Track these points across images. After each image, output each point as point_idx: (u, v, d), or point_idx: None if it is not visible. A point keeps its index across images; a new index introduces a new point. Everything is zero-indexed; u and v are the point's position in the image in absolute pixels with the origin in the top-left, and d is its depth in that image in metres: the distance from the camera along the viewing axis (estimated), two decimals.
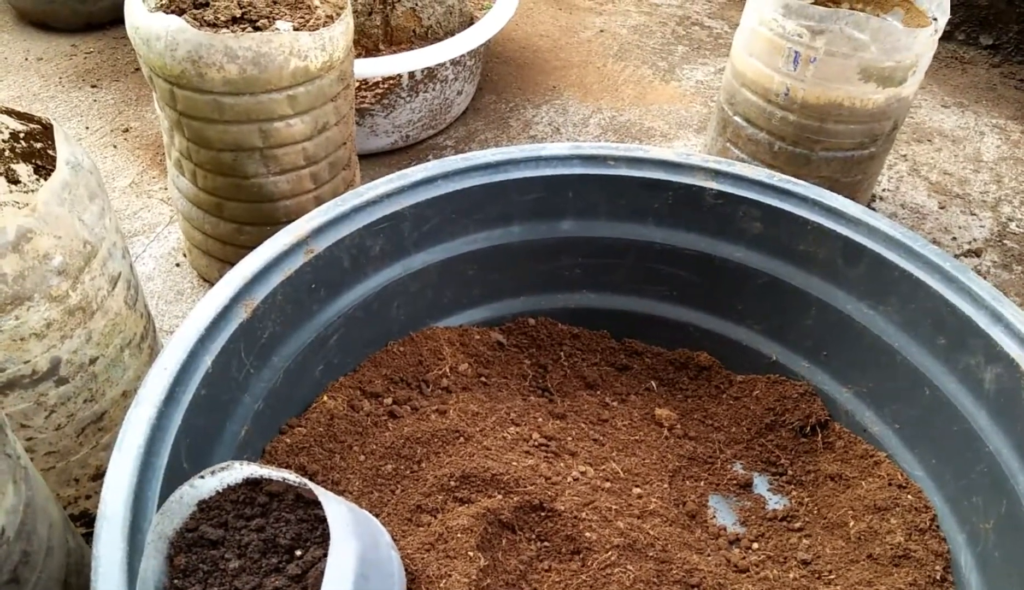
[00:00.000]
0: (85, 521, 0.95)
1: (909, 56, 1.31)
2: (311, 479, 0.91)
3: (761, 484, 1.08)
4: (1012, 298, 1.24)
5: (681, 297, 1.19)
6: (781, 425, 1.11)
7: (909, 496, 1.00)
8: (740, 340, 1.17)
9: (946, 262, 0.99)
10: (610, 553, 0.88)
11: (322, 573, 0.58)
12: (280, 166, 1.18)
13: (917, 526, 0.97)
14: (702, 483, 1.06)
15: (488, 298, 1.17)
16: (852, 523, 0.99)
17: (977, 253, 1.58)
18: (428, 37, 1.70)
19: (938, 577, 0.93)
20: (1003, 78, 2.15)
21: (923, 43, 1.31)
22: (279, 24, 1.13)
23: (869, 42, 1.28)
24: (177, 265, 1.44)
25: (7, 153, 0.90)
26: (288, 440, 0.93)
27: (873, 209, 1.31)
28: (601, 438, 1.07)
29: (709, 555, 0.95)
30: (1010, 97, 2.07)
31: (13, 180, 0.92)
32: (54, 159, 0.80)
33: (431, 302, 1.11)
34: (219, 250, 1.30)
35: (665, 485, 1.02)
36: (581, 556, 0.89)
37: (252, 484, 0.68)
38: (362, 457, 0.96)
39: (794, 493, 1.06)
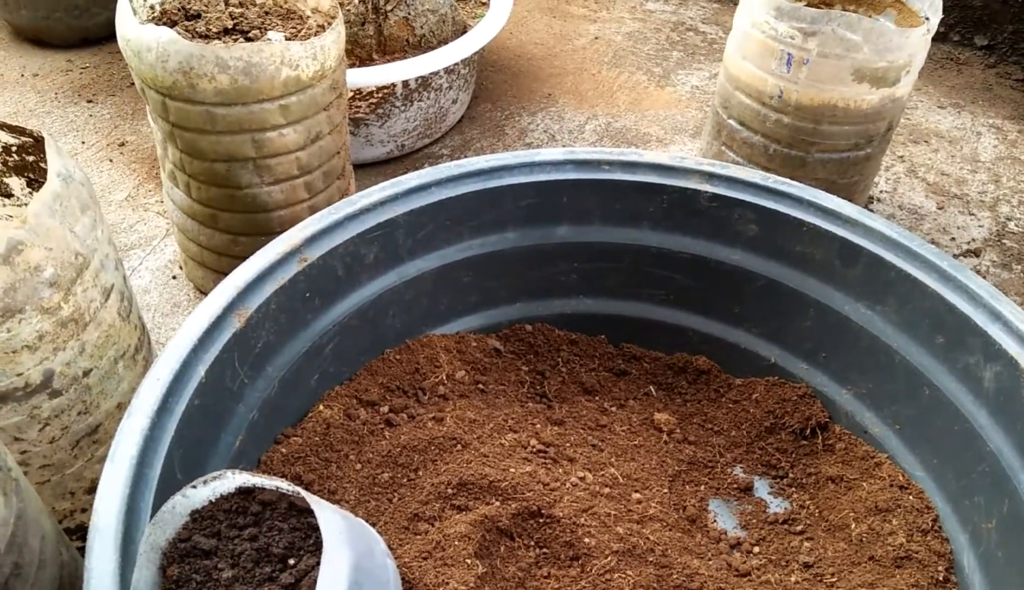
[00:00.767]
0: (81, 535, 0.94)
1: (902, 56, 1.31)
2: (307, 489, 0.90)
3: (762, 487, 1.07)
4: (1012, 297, 1.24)
5: (678, 301, 1.18)
6: (781, 428, 1.10)
7: (910, 497, 0.99)
8: (738, 343, 1.17)
9: (943, 261, 0.99)
10: (609, 559, 0.87)
11: (315, 582, 0.57)
12: (274, 176, 1.18)
13: (919, 527, 0.96)
14: (702, 487, 1.06)
15: (484, 305, 1.16)
16: (854, 525, 0.98)
17: (976, 253, 1.57)
18: (421, 46, 1.70)
19: (940, 578, 0.92)
20: (999, 78, 2.15)
21: (915, 43, 1.31)
22: (271, 35, 1.13)
23: (862, 43, 1.28)
24: (173, 278, 1.44)
25: None
26: (284, 450, 0.93)
27: (871, 211, 1.31)
28: (600, 444, 1.06)
29: (710, 559, 0.95)
30: (1006, 97, 2.07)
31: (6, 193, 0.91)
32: (47, 172, 0.80)
33: (427, 310, 1.11)
34: (214, 261, 1.29)
35: (665, 490, 1.01)
36: (580, 562, 0.88)
37: (245, 493, 0.67)
38: (359, 466, 0.96)
39: (795, 496, 1.05)
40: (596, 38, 2.29)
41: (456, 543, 0.84)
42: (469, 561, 0.83)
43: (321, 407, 0.99)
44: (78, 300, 0.80)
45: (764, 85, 1.40)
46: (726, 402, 1.15)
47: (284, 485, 0.65)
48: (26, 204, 0.92)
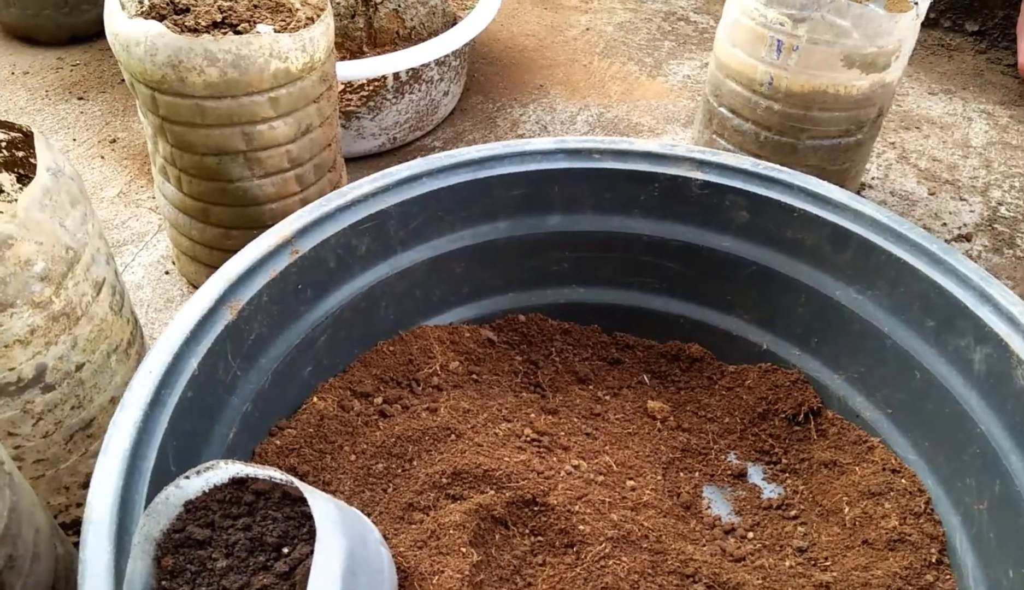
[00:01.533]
0: (76, 530, 0.94)
1: (892, 41, 1.31)
2: (302, 480, 0.90)
3: (755, 474, 1.07)
4: (1003, 281, 1.24)
5: (670, 289, 1.18)
6: (774, 414, 1.11)
7: (903, 480, 1.00)
8: (730, 330, 1.17)
9: (933, 245, 0.99)
10: (604, 545, 0.88)
11: (309, 570, 0.58)
12: (264, 169, 1.18)
13: (912, 510, 0.97)
14: (696, 474, 1.06)
15: (477, 295, 1.16)
16: (847, 509, 0.99)
17: (968, 238, 1.58)
18: (412, 38, 1.70)
19: (934, 560, 0.92)
20: (989, 64, 2.16)
21: (905, 28, 1.31)
22: (260, 28, 1.13)
23: (851, 28, 1.28)
24: (166, 273, 1.43)
25: None
26: (278, 442, 0.93)
27: (863, 197, 1.31)
28: (594, 432, 1.07)
29: (704, 545, 0.95)
30: (997, 82, 2.08)
31: None
32: (36, 167, 0.80)
33: (420, 301, 1.11)
34: (207, 256, 1.29)
35: (659, 477, 1.02)
36: (575, 549, 0.89)
37: (238, 483, 0.67)
38: (353, 457, 0.96)
39: (788, 481, 1.06)
40: (587, 29, 2.28)
41: (451, 532, 0.84)
42: (464, 549, 0.83)
43: (315, 399, 0.99)
44: (69, 294, 0.80)
45: (754, 72, 1.40)
46: (719, 389, 1.15)
47: (277, 474, 0.65)
48: (16, 199, 0.92)
